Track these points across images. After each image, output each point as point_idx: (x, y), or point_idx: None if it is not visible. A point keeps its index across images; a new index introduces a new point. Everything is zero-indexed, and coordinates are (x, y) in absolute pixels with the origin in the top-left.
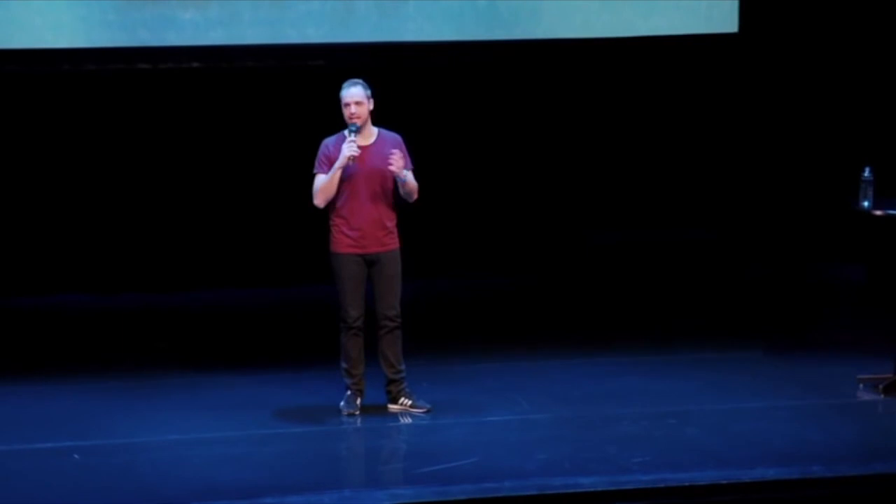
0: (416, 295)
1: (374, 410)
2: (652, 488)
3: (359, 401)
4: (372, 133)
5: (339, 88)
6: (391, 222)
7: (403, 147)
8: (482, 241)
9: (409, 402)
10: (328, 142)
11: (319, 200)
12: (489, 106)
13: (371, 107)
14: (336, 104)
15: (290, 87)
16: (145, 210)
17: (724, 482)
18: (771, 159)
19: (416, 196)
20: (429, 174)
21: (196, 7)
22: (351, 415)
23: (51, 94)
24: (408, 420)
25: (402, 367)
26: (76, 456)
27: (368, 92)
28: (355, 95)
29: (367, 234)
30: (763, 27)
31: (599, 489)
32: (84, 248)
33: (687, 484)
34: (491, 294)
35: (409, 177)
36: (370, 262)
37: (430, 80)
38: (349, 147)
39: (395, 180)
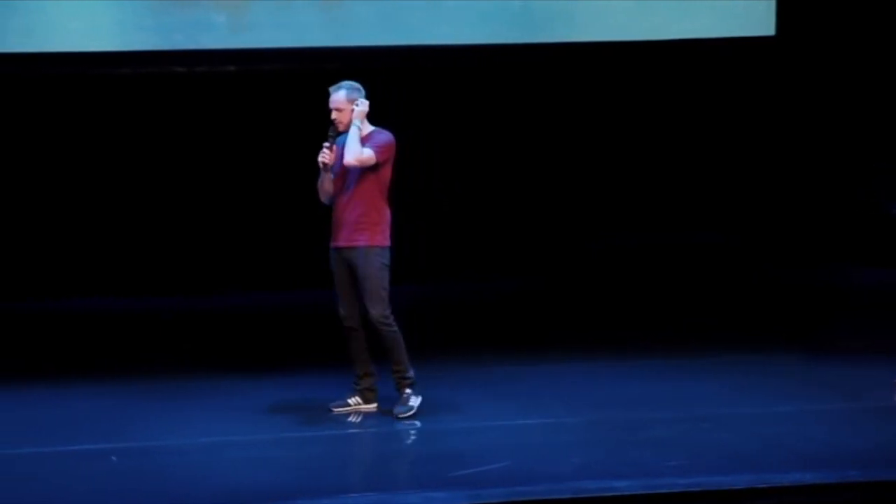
0: (430, 297)
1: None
2: (687, 492)
3: (353, 399)
4: (364, 132)
5: (376, 93)
6: (364, 219)
7: (377, 141)
8: (495, 243)
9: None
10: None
11: (321, 198)
12: (517, 108)
13: (362, 108)
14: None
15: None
16: (179, 213)
17: (761, 486)
18: (806, 163)
19: (347, 158)
20: (449, 176)
21: (230, 10)
22: (332, 410)
23: (86, 97)
24: (440, 424)
25: (398, 367)
26: (114, 458)
27: (354, 95)
28: (335, 102)
29: (341, 229)
30: (801, 30)
31: (634, 493)
32: (115, 251)
33: (723, 488)
34: (505, 297)
35: (350, 132)
36: (346, 260)
37: (453, 83)
38: (321, 153)
39: (370, 175)
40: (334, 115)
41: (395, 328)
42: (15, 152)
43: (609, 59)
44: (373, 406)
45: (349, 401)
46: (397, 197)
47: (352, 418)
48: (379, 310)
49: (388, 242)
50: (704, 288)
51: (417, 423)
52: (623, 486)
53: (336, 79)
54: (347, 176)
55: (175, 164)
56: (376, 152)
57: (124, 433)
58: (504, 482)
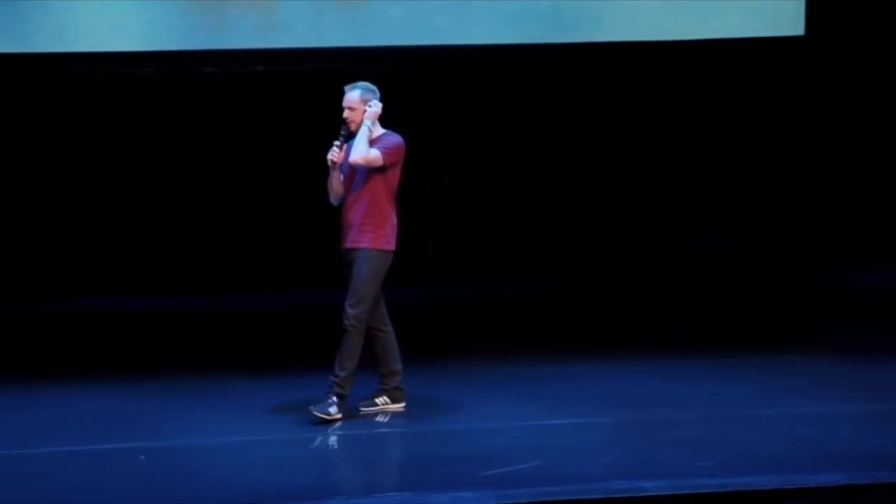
0: (442, 298)
1: (436, 413)
2: (717, 493)
3: (382, 399)
4: (374, 135)
5: (401, 93)
6: (368, 221)
7: (386, 143)
8: (505, 244)
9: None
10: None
11: (330, 198)
12: (531, 109)
13: (375, 109)
14: (391, 107)
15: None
16: (207, 212)
17: (789, 487)
18: (819, 164)
19: (353, 157)
20: (458, 177)
21: (259, 11)
22: (360, 410)
23: (114, 96)
24: (468, 424)
25: (338, 372)
26: (142, 457)
27: (368, 96)
28: (348, 101)
29: (347, 231)
30: (831, 30)
31: (664, 493)
32: (140, 251)
33: (752, 489)
34: (519, 298)
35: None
36: (351, 262)
37: (463, 84)
38: (330, 151)
39: (377, 178)
40: (346, 113)
41: (360, 337)
42: (42, 152)
43: (634, 59)
44: (401, 405)
45: (377, 400)
46: (409, 198)
47: (379, 418)
48: (357, 311)
49: (390, 247)
50: (716, 289)
51: (445, 424)
52: (652, 487)
53: (364, 79)
54: (355, 177)
55: (203, 164)
56: (383, 154)
57: (153, 432)
58: (533, 482)
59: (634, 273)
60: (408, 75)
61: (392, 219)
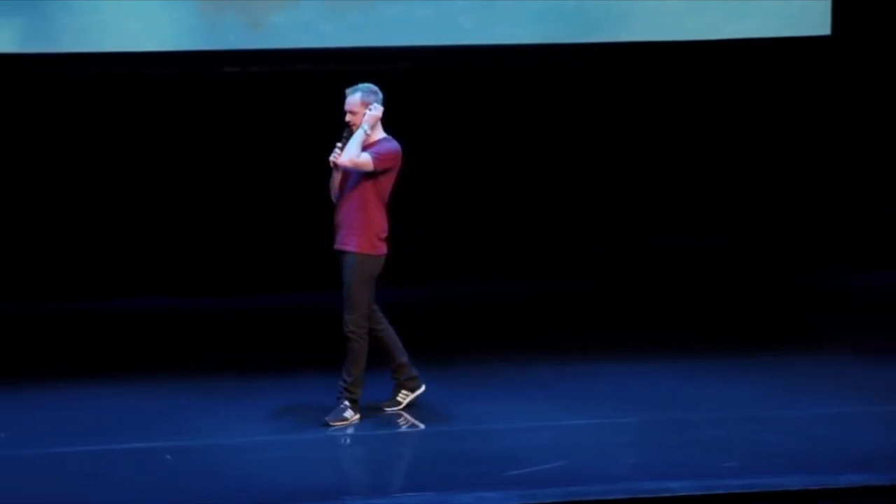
0: (451, 299)
1: (458, 413)
2: (742, 493)
3: (402, 394)
4: (373, 137)
5: (427, 92)
6: (355, 224)
7: (380, 148)
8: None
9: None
10: None
11: (331, 196)
12: (539, 109)
13: (374, 113)
14: (413, 107)
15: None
16: (236, 212)
17: (815, 488)
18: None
19: (341, 159)
20: (460, 177)
21: (285, 10)
22: (385, 410)
23: (139, 97)
24: (491, 424)
25: (346, 377)
26: (168, 457)
27: (370, 98)
28: (349, 104)
29: (336, 230)
30: (857, 30)
31: (689, 493)
32: (166, 251)
33: (777, 489)
34: (526, 299)
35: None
36: (340, 263)
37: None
38: (333, 153)
39: (368, 181)
40: (348, 117)
41: (363, 342)
42: (68, 153)
43: (656, 60)
44: (422, 389)
45: (397, 398)
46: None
47: (403, 418)
48: (352, 316)
49: (377, 251)
50: (719, 290)
51: (469, 424)
52: (677, 487)
53: (385, 80)
54: (349, 179)
55: (231, 164)
56: (374, 159)
57: (179, 432)
58: (557, 482)
59: (638, 274)
60: (427, 75)
61: (381, 223)
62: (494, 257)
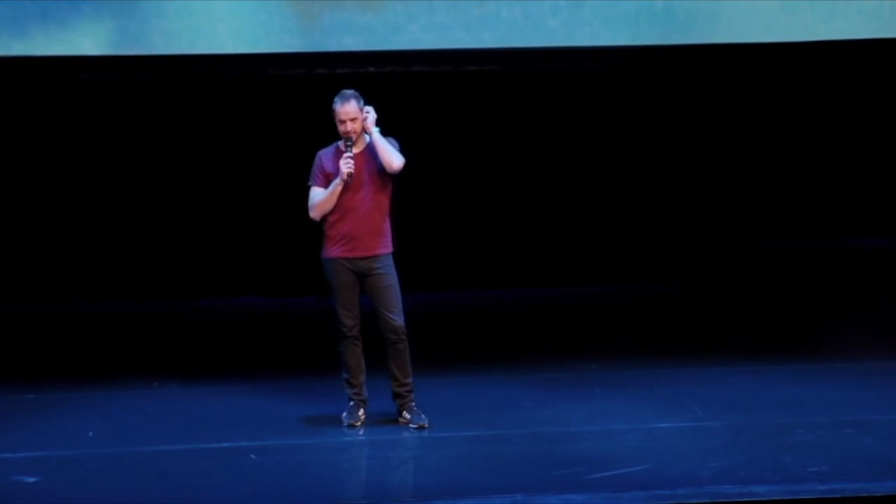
0: (517, 301)
1: (546, 415)
2: (829, 498)
3: (361, 412)
4: (364, 140)
5: (514, 94)
6: (384, 228)
7: (397, 148)
8: (608, 245)
9: (408, 418)
10: (322, 154)
11: (315, 214)
12: (655, 109)
13: (374, 115)
14: (500, 107)
15: (461, 91)
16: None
17: None
18: None
19: (396, 164)
20: (568, 176)
21: (373, 11)
22: (352, 426)
23: (232, 98)
24: (576, 426)
25: (408, 380)
26: (253, 456)
27: (362, 104)
28: (350, 112)
29: (358, 238)
30: None
31: (775, 498)
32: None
33: (865, 494)
34: (632, 300)
35: (375, 138)
36: (363, 270)
37: (576, 85)
38: (346, 164)
39: (387, 184)
40: (349, 125)
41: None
42: (156, 155)
43: (754, 61)
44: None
45: (401, 416)
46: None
47: (483, 421)
48: (400, 321)
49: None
50: (818, 292)
51: (556, 426)
52: (763, 492)
53: (472, 80)
54: (364, 187)
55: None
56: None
57: (263, 431)
58: (642, 485)
59: (757, 275)
60: (521, 78)
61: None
62: (586, 260)
